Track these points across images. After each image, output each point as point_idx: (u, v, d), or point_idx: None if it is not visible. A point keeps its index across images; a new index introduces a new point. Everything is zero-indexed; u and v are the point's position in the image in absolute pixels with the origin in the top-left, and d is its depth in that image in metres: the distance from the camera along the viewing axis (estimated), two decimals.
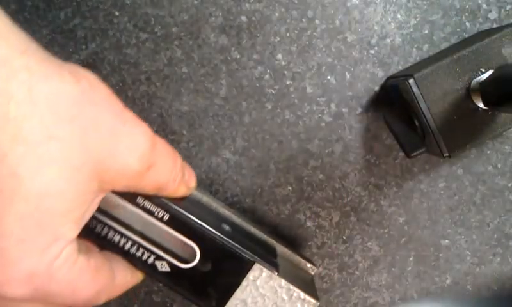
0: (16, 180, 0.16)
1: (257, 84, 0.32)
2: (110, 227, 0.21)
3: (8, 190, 0.16)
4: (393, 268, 0.33)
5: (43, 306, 0.19)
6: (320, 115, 0.32)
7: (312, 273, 0.30)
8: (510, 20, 0.31)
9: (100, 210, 0.20)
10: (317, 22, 0.31)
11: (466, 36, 0.31)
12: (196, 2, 0.31)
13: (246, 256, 0.23)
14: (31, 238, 0.16)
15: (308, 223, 0.33)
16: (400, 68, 0.32)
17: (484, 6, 0.31)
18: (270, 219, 0.33)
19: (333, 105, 0.32)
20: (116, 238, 0.22)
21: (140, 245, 0.22)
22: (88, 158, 0.17)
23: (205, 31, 0.31)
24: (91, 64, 0.31)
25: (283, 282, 0.23)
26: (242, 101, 0.32)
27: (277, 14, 0.31)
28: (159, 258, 0.22)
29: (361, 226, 0.33)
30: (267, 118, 0.32)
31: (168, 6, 0.31)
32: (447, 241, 0.33)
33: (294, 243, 0.33)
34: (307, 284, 0.25)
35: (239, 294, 0.22)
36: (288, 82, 0.32)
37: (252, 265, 0.23)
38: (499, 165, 0.32)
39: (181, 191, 0.23)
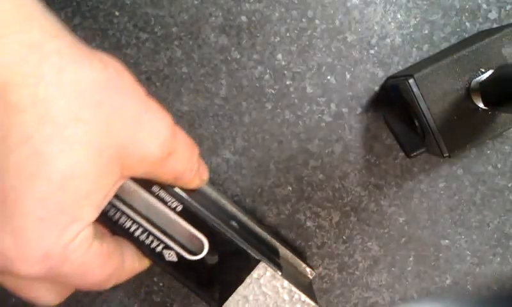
0: (40, 160, 0.16)
1: (257, 84, 0.32)
2: (123, 212, 0.22)
3: (31, 170, 0.16)
4: (393, 268, 0.33)
5: (52, 285, 0.20)
6: (320, 115, 0.32)
7: (311, 277, 0.30)
8: (510, 20, 0.31)
9: (115, 195, 0.21)
10: (317, 22, 0.31)
11: (466, 36, 0.31)
12: (196, 2, 0.31)
13: (252, 253, 0.23)
14: (50, 218, 0.17)
15: (308, 223, 0.33)
16: (400, 68, 0.32)
17: (484, 6, 0.31)
18: (270, 219, 0.33)
19: (333, 105, 0.32)
20: (128, 224, 0.22)
21: (150, 233, 0.22)
22: (112, 142, 0.18)
23: (205, 31, 0.31)
24: None
25: (285, 283, 0.23)
26: (242, 101, 0.32)
27: (277, 14, 0.31)
28: (167, 247, 0.22)
29: (361, 226, 0.33)
30: (267, 117, 0.32)
31: (167, 6, 0.31)
32: (447, 241, 0.33)
33: (294, 243, 0.33)
34: (306, 288, 0.25)
35: (241, 290, 0.23)
36: (288, 82, 0.32)
37: (257, 263, 0.23)
38: (499, 165, 0.32)
39: (195, 182, 0.24)
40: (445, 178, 0.33)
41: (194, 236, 0.23)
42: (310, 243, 0.33)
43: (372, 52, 0.32)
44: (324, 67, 0.32)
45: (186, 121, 0.32)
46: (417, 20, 0.31)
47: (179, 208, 0.22)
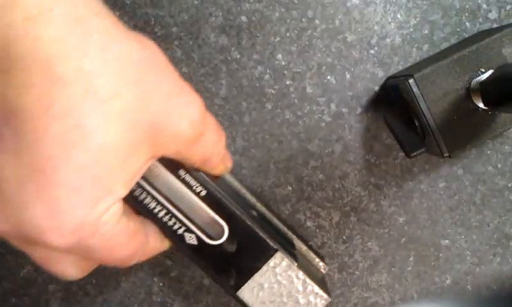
0: (80, 132, 0.16)
1: (257, 84, 0.32)
2: (148, 193, 0.22)
3: (70, 141, 0.16)
4: (393, 268, 0.33)
5: (77, 259, 0.20)
6: (320, 115, 0.32)
7: (324, 271, 0.30)
8: (510, 20, 0.31)
9: (142, 176, 0.21)
10: (317, 22, 0.31)
11: (466, 36, 0.31)
12: (196, 2, 0.31)
13: (270, 243, 0.23)
14: (85, 189, 0.17)
15: (308, 223, 0.33)
16: (400, 68, 0.32)
17: (484, 6, 0.31)
18: None
19: (333, 105, 0.32)
20: (152, 204, 0.22)
21: (173, 215, 0.23)
22: (147, 119, 0.18)
23: (205, 31, 0.31)
24: None
25: (300, 273, 0.24)
26: (242, 101, 0.32)
27: (277, 14, 0.31)
28: (188, 230, 0.23)
29: (361, 226, 0.33)
30: (267, 117, 0.32)
31: (167, 6, 0.31)
32: (447, 241, 0.33)
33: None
34: (319, 281, 0.25)
35: (257, 277, 0.23)
36: (288, 82, 0.32)
37: (275, 252, 0.23)
38: (499, 165, 0.32)
39: (220, 168, 0.24)
40: (445, 178, 0.33)
41: (215, 222, 0.23)
42: (310, 243, 0.33)
43: (372, 52, 0.32)
44: (324, 67, 0.32)
45: None
46: (417, 20, 0.31)
47: (203, 193, 0.23)
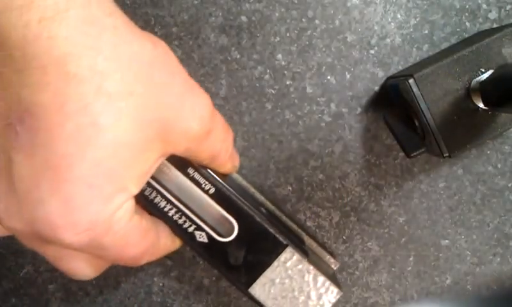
0: (95, 129, 0.16)
1: (257, 84, 0.32)
2: (158, 192, 0.22)
3: (85, 138, 0.16)
4: (393, 268, 0.33)
5: (90, 258, 0.20)
6: (320, 115, 0.32)
7: (334, 268, 0.30)
8: (510, 20, 0.31)
9: (152, 175, 0.21)
10: (317, 22, 0.31)
11: (466, 36, 0.31)
12: (196, 2, 0.31)
13: (280, 238, 0.23)
14: (99, 185, 0.17)
15: (308, 223, 0.33)
16: (400, 68, 0.32)
17: (484, 6, 0.31)
18: None
19: (333, 105, 0.32)
20: (163, 203, 0.23)
21: (183, 214, 0.23)
22: (158, 116, 0.18)
23: (205, 31, 0.31)
24: None
25: (311, 268, 0.24)
26: (242, 101, 0.32)
27: (277, 14, 0.31)
28: (199, 228, 0.23)
29: (361, 226, 0.33)
30: (267, 117, 0.32)
31: (167, 6, 0.31)
32: (447, 241, 0.33)
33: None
34: (330, 276, 0.25)
35: (268, 273, 0.23)
36: (288, 82, 0.32)
37: (285, 247, 0.23)
38: (499, 165, 0.32)
39: (228, 166, 0.25)
40: (445, 178, 0.33)
41: (225, 219, 0.23)
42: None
43: (372, 52, 0.32)
44: (324, 67, 0.32)
45: None
46: (417, 20, 0.31)
47: (212, 190, 0.23)
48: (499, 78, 0.26)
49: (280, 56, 0.32)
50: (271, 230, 0.23)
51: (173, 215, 0.23)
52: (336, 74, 0.32)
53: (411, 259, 0.33)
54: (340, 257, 0.33)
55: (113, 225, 0.18)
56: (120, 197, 0.18)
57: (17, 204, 0.17)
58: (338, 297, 0.24)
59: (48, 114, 0.16)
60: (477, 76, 0.27)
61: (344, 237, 0.33)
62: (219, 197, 0.23)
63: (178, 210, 0.23)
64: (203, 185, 0.23)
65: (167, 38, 0.31)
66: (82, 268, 0.21)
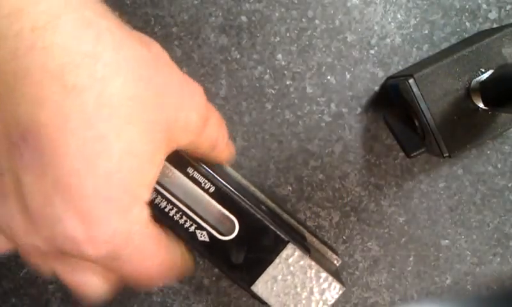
0: (101, 142, 0.16)
1: (257, 84, 0.32)
2: (158, 192, 0.22)
3: (92, 152, 0.16)
4: (393, 268, 0.33)
5: (107, 274, 0.20)
6: (320, 115, 0.32)
7: (337, 264, 0.30)
8: (510, 20, 0.31)
9: None
10: (317, 22, 0.31)
11: (466, 36, 0.31)
12: (196, 2, 0.31)
13: (281, 235, 0.23)
14: (115, 198, 0.17)
15: (308, 223, 0.33)
16: (400, 68, 0.32)
17: (484, 6, 0.31)
18: None
19: (333, 105, 0.32)
20: (163, 204, 0.23)
21: (184, 213, 0.23)
22: (162, 117, 0.18)
23: (205, 31, 0.31)
24: None
25: (313, 264, 0.24)
26: (242, 101, 0.32)
27: (277, 14, 0.31)
28: (199, 227, 0.23)
29: (361, 226, 0.33)
30: (267, 117, 0.32)
31: (167, 6, 0.31)
32: (447, 241, 0.33)
33: None
34: (333, 272, 0.25)
35: (270, 270, 0.23)
36: (288, 82, 0.32)
37: (286, 244, 0.23)
38: (499, 165, 0.32)
39: (226, 153, 0.25)
40: (445, 178, 0.33)
41: (225, 217, 0.23)
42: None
43: (372, 52, 0.32)
44: (324, 67, 0.32)
45: None
46: (417, 20, 0.31)
47: (212, 189, 0.23)
48: (499, 78, 0.26)
49: (280, 56, 0.32)
50: (272, 227, 0.23)
51: (173, 215, 0.23)
52: (336, 74, 0.32)
53: (411, 259, 0.33)
54: (340, 257, 0.33)
55: (133, 236, 0.18)
56: (137, 206, 0.18)
57: (33, 223, 0.17)
58: (341, 292, 0.24)
59: (50, 132, 0.15)
60: (477, 76, 0.27)
61: (344, 237, 0.33)
62: (220, 195, 0.23)
63: (179, 210, 0.23)
64: (202, 184, 0.23)
65: (167, 38, 0.31)
66: (99, 285, 0.20)
